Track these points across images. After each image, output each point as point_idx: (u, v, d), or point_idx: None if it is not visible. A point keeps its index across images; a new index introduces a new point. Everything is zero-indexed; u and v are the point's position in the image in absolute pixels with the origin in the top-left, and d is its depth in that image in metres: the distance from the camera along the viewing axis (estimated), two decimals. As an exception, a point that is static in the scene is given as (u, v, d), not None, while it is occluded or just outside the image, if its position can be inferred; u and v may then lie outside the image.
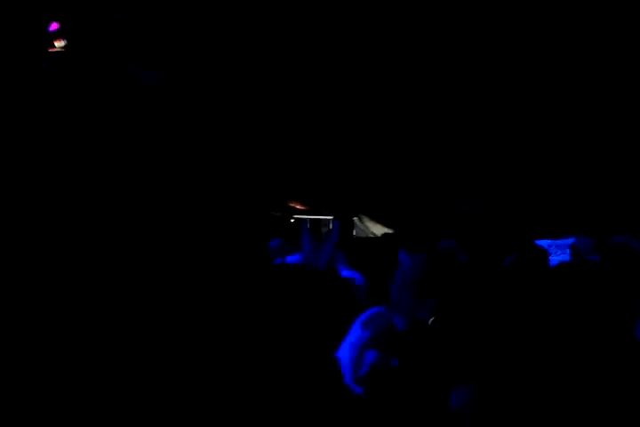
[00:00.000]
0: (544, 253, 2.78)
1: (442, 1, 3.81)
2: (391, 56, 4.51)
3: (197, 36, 4.18)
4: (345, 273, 3.41)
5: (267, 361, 1.70)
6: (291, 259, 3.72)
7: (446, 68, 4.69)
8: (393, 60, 4.51)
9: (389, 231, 7.37)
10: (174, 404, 1.64)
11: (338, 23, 4.03)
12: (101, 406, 1.58)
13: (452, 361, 1.93)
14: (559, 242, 4.68)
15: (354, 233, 7.48)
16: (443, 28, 4.21)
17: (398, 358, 1.97)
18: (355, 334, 2.11)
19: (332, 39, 4.25)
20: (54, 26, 3.78)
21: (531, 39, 4.32)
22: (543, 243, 3.77)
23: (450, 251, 3.60)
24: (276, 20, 4.02)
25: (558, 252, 4.30)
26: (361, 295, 3.13)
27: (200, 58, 4.34)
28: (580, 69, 4.62)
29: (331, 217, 7.50)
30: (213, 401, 1.67)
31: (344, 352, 2.06)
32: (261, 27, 4.08)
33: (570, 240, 4.31)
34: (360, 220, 7.57)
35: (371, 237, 7.18)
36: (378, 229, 7.46)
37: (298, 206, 7.58)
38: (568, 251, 4.14)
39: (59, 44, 3.75)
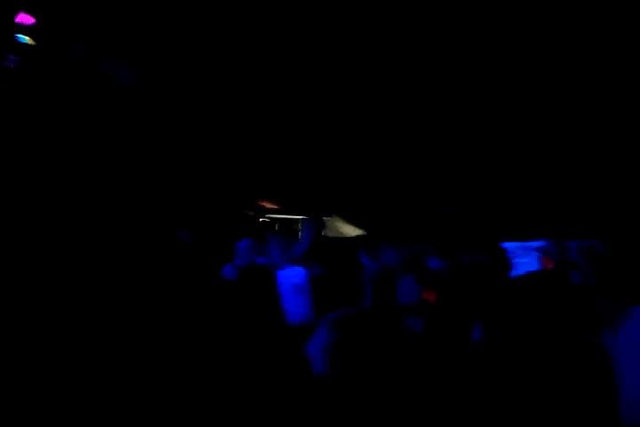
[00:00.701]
0: (505, 256, 2.81)
1: (442, 2, 3.78)
2: (361, 63, 4.51)
3: (174, 35, 4.14)
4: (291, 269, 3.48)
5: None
6: (260, 260, 3.70)
7: (422, 77, 4.72)
8: (365, 67, 4.52)
9: (361, 232, 7.40)
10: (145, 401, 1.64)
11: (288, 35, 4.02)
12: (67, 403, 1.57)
13: (420, 365, 1.95)
14: (526, 245, 4.74)
15: (324, 233, 7.51)
16: (411, 39, 4.20)
17: (369, 362, 1.98)
18: (323, 334, 2.11)
19: (299, 50, 4.24)
20: (24, 18, 3.71)
21: (495, 52, 4.33)
22: (509, 246, 3.82)
23: (417, 255, 3.62)
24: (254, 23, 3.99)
25: (524, 255, 4.36)
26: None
27: (174, 58, 4.30)
28: (548, 91, 4.69)
29: (302, 217, 7.51)
30: (191, 397, 1.67)
31: (312, 350, 2.07)
32: (232, 31, 4.06)
33: (536, 243, 4.37)
34: (331, 220, 7.59)
35: (341, 238, 7.20)
36: (349, 230, 7.48)
37: (269, 206, 7.56)
38: (535, 254, 4.20)
39: (29, 37, 3.68)
